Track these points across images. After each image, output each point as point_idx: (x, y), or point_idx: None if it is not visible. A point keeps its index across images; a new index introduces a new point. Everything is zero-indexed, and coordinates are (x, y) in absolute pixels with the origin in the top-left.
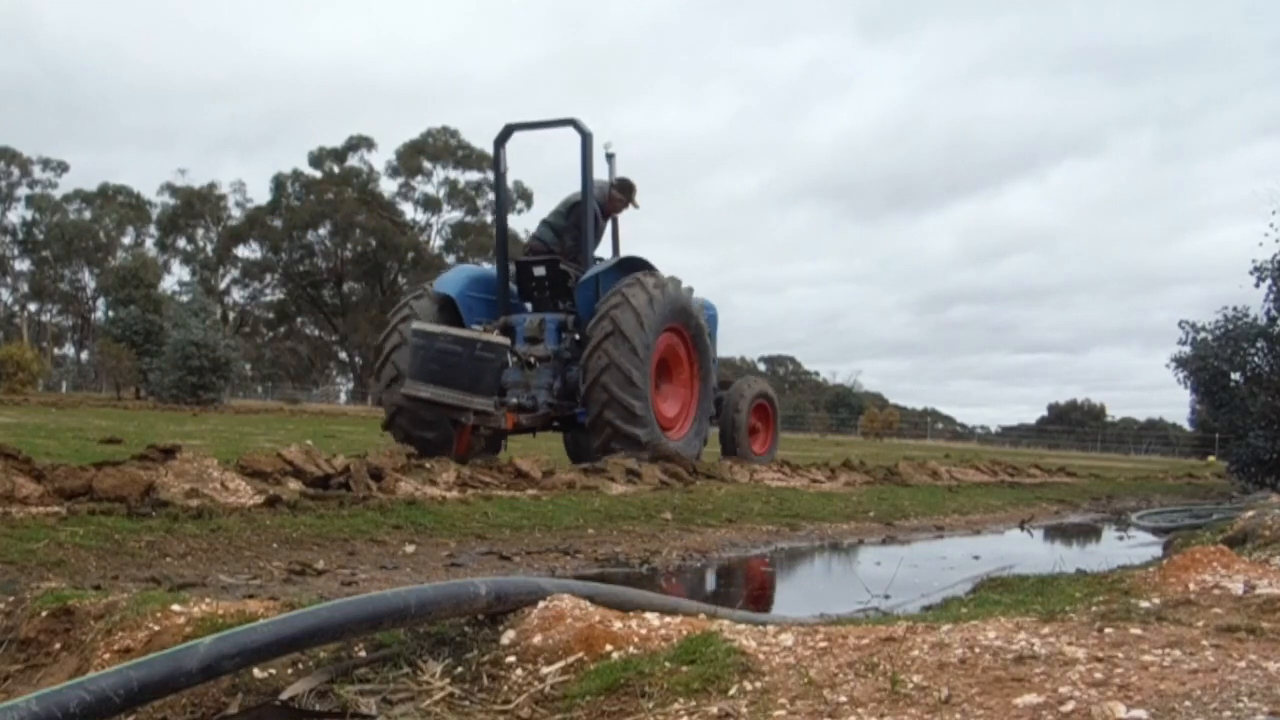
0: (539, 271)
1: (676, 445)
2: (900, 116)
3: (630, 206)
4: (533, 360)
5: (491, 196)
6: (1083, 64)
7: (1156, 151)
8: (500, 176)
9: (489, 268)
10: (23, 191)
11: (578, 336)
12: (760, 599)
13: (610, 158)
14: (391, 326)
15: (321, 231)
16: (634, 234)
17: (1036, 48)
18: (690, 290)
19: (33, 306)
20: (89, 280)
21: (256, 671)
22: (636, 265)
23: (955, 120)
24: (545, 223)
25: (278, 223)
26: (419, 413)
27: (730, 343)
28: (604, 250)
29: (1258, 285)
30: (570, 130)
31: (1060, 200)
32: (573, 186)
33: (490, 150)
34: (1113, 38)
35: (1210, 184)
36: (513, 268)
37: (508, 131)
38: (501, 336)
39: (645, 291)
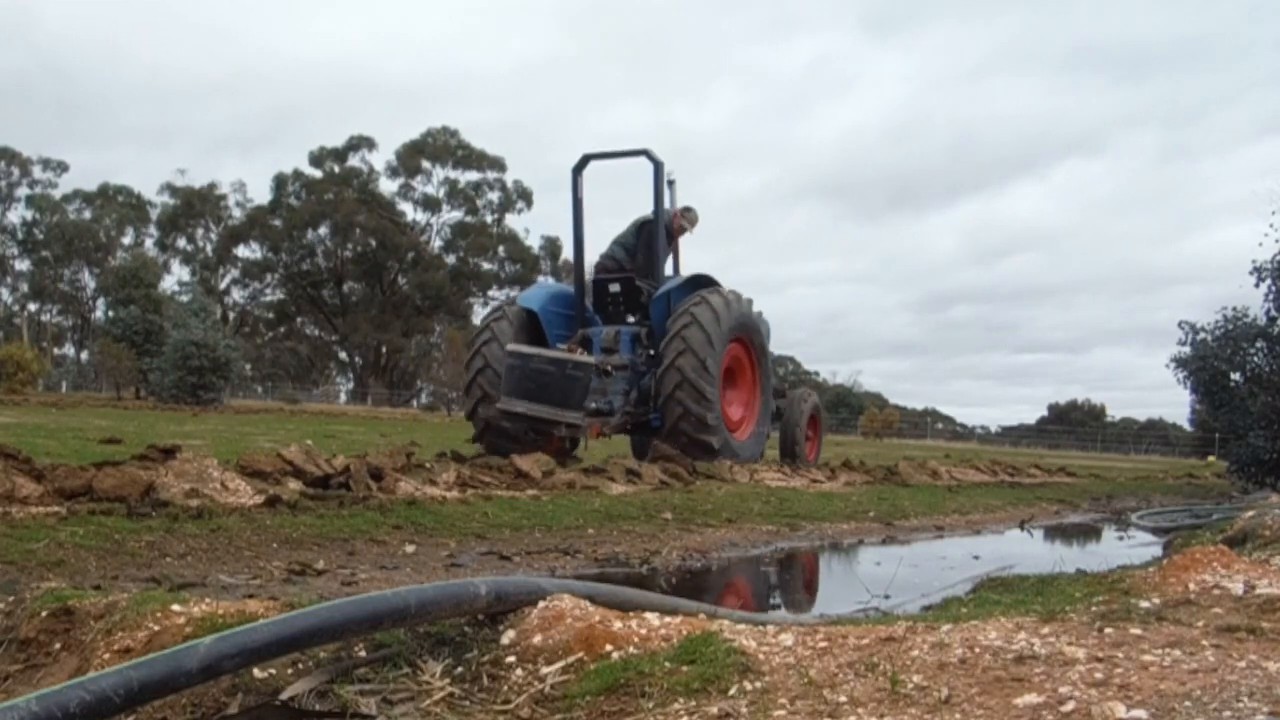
0: (614, 288)
1: (742, 446)
2: (903, 115)
3: (690, 231)
4: (609, 369)
5: (491, 196)
6: (1087, 62)
7: (1160, 150)
8: (577, 203)
9: (566, 285)
10: (23, 191)
11: (651, 351)
12: (760, 599)
13: (671, 184)
14: (475, 350)
15: (321, 231)
16: None
17: (1040, 46)
18: (751, 303)
19: (33, 306)
20: (89, 280)
21: (256, 671)
22: (703, 282)
23: (958, 119)
24: (616, 242)
25: (278, 223)
26: (509, 425)
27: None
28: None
29: (1257, 285)
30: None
31: (1063, 199)
32: (620, 208)
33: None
34: (1117, 35)
35: (1214, 183)
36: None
37: (584, 161)
38: (587, 356)
39: (712, 309)
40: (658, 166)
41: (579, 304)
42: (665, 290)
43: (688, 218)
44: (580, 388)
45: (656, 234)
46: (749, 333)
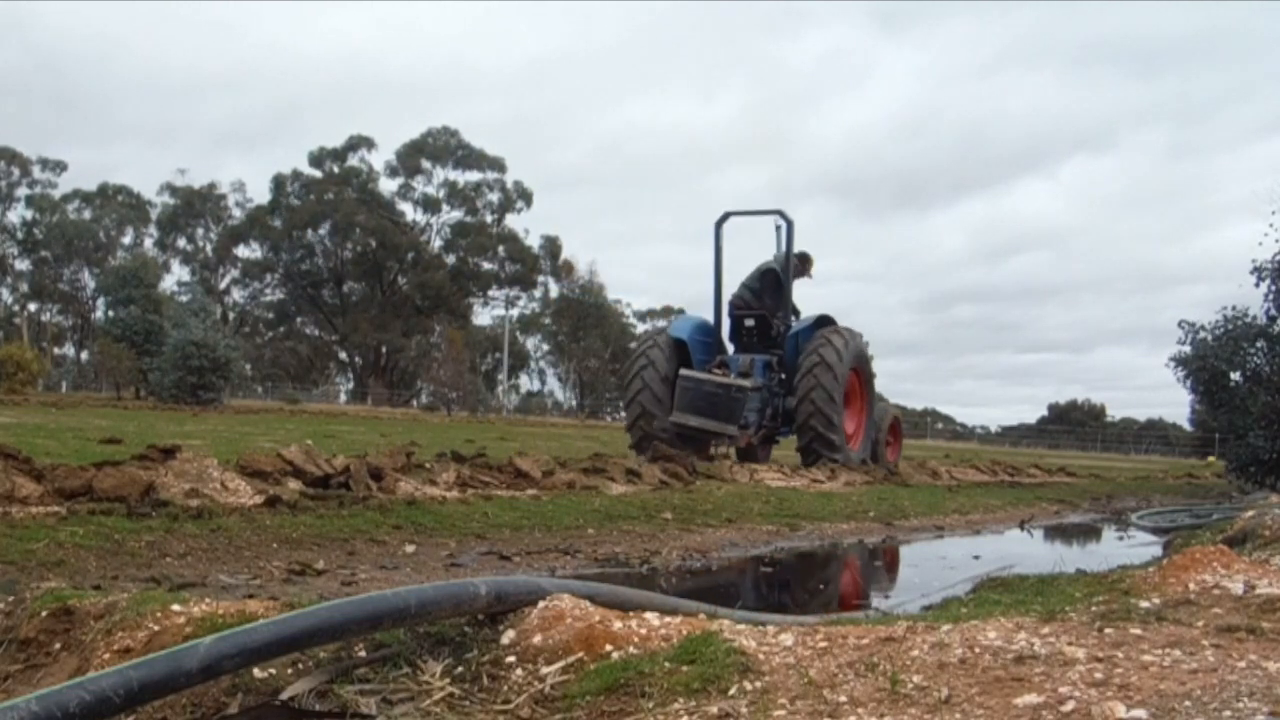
0: (748, 322)
1: (854, 454)
2: (913, 111)
3: (807, 276)
4: (756, 389)
5: (491, 197)
6: (1101, 56)
7: (1170, 148)
8: (718, 251)
9: (708, 318)
10: (22, 191)
11: (783, 375)
12: (760, 599)
13: (790, 226)
14: (634, 373)
15: (321, 231)
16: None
17: (1055, 40)
18: (862, 337)
19: (33, 306)
20: (89, 280)
21: (256, 671)
22: (827, 321)
23: (968, 116)
24: (745, 285)
25: (278, 223)
26: (665, 434)
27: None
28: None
29: (1257, 285)
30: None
31: (1071, 197)
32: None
33: None
34: (1133, 29)
35: (1224, 181)
36: (727, 320)
37: (725, 216)
38: (745, 381)
39: (835, 349)
40: (789, 224)
41: (718, 335)
42: (796, 330)
43: (806, 263)
44: (739, 407)
45: (786, 280)
46: (862, 364)
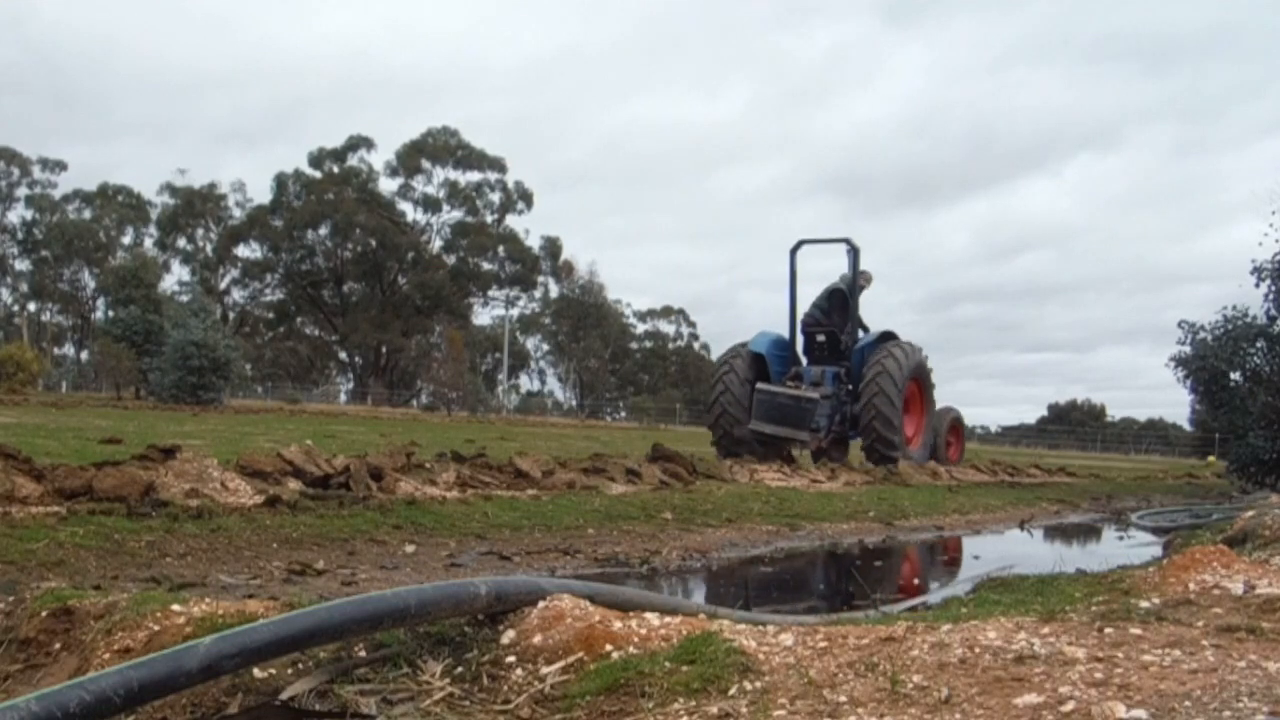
0: (820, 338)
1: (914, 453)
2: (920, 109)
3: (868, 288)
4: (824, 398)
5: (492, 197)
6: (1111, 52)
7: (1176, 145)
8: (793, 275)
9: (783, 334)
10: (22, 191)
11: (850, 387)
12: (760, 598)
13: (856, 252)
14: (718, 379)
15: (321, 231)
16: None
17: (1066, 35)
18: (921, 350)
19: (33, 306)
20: (89, 280)
21: (256, 671)
22: (889, 336)
23: (975, 113)
24: (815, 305)
25: (278, 223)
26: (742, 437)
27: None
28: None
29: (1257, 285)
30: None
31: (1076, 196)
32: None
33: None
34: (1144, 24)
35: (1231, 179)
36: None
37: (799, 244)
38: (814, 392)
39: (896, 360)
40: (855, 251)
41: (792, 350)
42: (862, 344)
43: (865, 278)
44: (809, 415)
45: (853, 300)
46: (921, 374)
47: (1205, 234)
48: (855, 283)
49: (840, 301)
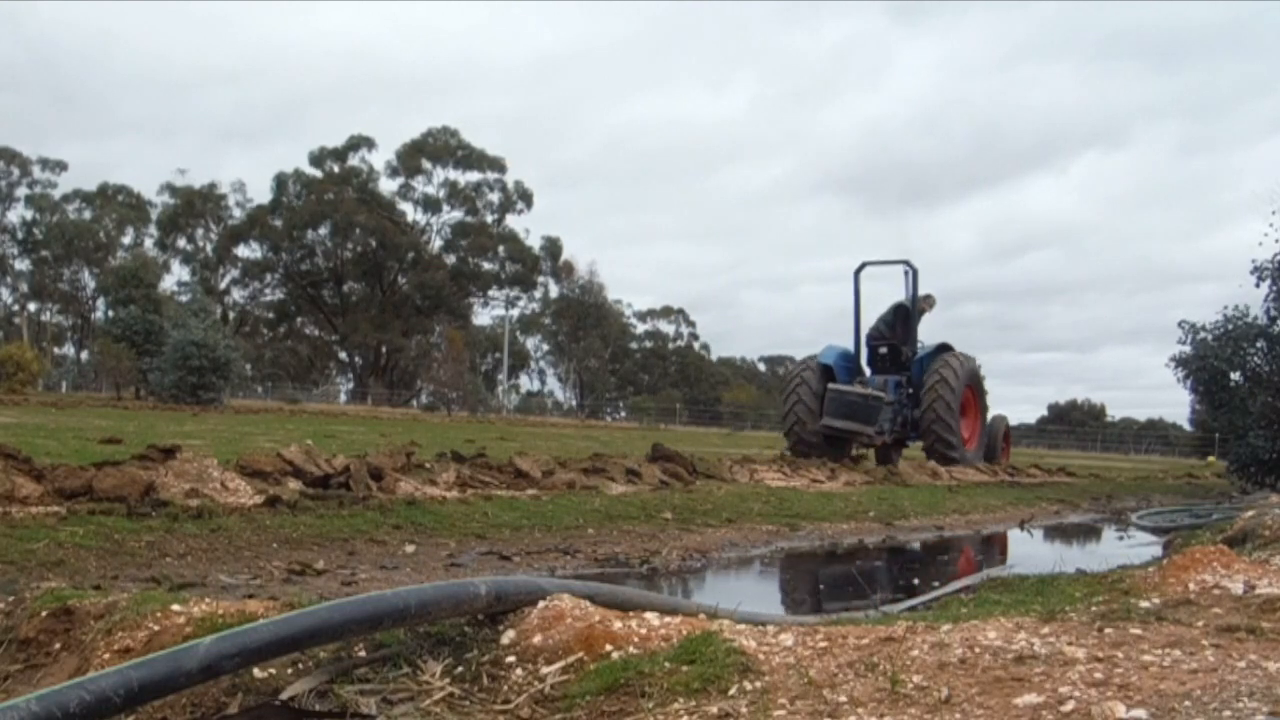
0: (883, 350)
1: (970, 454)
2: (927, 106)
3: (930, 311)
4: (889, 401)
5: (492, 197)
6: (1121, 49)
7: (1183, 143)
8: (857, 294)
9: (848, 347)
10: (22, 191)
11: (910, 392)
12: (760, 598)
13: (915, 273)
14: (791, 388)
15: (321, 231)
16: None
17: (1076, 31)
18: (975, 359)
19: (33, 306)
20: (89, 280)
21: (256, 671)
22: (946, 348)
23: (983, 111)
24: (881, 319)
25: (278, 223)
26: (812, 437)
27: (736, 342)
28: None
29: (1258, 285)
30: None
31: (1082, 194)
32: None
33: None
34: (1153, 21)
35: (1238, 177)
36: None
37: (862, 266)
38: (880, 392)
39: (953, 369)
40: (914, 271)
41: (857, 361)
42: (921, 356)
43: (928, 302)
44: (876, 413)
45: (913, 317)
46: (975, 381)
47: (1212, 232)
48: (914, 300)
49: (904, 316)
